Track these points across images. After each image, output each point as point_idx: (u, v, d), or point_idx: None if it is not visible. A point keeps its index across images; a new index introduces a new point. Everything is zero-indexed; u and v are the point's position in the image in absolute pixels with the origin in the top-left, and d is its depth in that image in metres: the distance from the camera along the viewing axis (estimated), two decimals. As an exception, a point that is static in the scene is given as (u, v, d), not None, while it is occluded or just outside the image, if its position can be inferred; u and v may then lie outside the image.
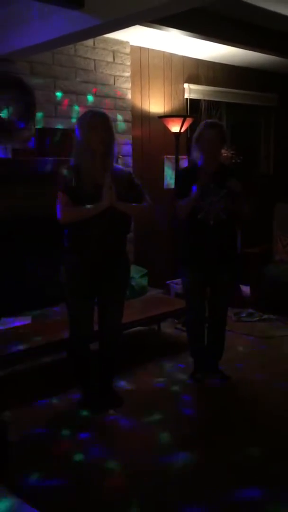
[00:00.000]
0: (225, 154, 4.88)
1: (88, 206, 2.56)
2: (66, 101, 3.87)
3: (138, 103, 4.50)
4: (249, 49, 4.56)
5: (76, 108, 3.90)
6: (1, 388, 3.04)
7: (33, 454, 2.45)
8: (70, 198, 2.59)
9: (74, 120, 3.83)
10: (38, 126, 3.67)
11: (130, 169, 3.92)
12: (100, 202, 2.54)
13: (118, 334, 2.91)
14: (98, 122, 2.57)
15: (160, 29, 3.79)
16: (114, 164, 2.71)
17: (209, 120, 3.08)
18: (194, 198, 2.89)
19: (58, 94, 3.84)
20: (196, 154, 2.99)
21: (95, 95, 4.03)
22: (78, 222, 2.61)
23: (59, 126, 3.77)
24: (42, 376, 3.26)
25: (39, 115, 3.70)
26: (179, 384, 3.17)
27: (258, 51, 4.66)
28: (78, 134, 2.61)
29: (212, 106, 5.05)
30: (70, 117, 3.87)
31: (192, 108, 4.91)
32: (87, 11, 2.78)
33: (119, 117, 4.19)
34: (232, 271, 3.18)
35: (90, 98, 3.99)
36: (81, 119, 2.64)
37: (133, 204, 2.69)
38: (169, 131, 4.43)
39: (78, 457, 2.41)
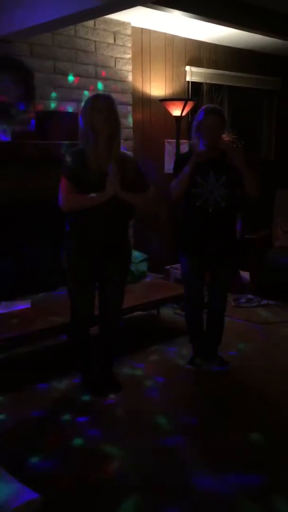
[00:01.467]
0: (226, 139, 4.83)
1: (92, 194, 2.54)
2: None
3: (139, 86, 4.44)
4: (252, 32, 4.48)
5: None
6: (1, 372, 3.06)
7: (34, 437, 2.47)
8: (74, 185, 2.56)
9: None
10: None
11: (131, 154, 3.89)
12: (105, 190, 2.52)
13: (118, 319, 2.92)
14: (102, 104, 2.55)
15: (162, 10, 3.71)
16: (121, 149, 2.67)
17: (209, 106, 3.03)
18: (189, 172, 2.87)
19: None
20: (196, 141, 2.97)
21: (95, 77, 3.98)
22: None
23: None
24: (41, 360, 3.28)
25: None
26: (178, 369, 3.19)
27: (261, 34, 4.58)
28: (82, 117, 2.58)
29: (214, 89, 4.99)
30: (72, 100, 3.83)
31: (194, 91, 4.85)
32: (88, -9, 2.73)
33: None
34: (231, 258, 3.18)
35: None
36: (86, 102, 2.60)
37: (137, 194, 2.67)
38: (170, 114, 4.39)
39: (77, 440, 2.44)
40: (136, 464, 2.26)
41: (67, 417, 2.64)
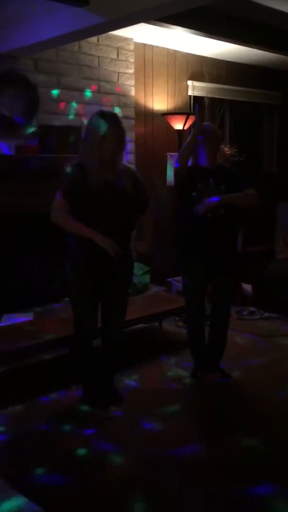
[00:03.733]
0: (228, 152, 4.88)
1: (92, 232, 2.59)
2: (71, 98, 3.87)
3: (141, 100, 4.49)
4: (253, 47, 4.55)
5: (74, 105, 3.89)
6: (3, 384, 3.06)
7: (37, 450, 2.47)
8: (68, 202, 2.61)
9: (72, 117, 3.84)
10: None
11: (134, 167, 3.93)
12: (98, 235, 2.56)
13: (120, 331, 2.92)
14: (115, 136, 2.56)
15: (164, 26, 3.78)
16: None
17: (204, 123, 3.12)
18: (195, 136, 2.93)
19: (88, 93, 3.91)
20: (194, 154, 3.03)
21: (98, 92, 4.03)
22: (83, 221, 2.61)
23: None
24: (44, 372, 3.28)
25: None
26: (179, 381, 3.19)
27: (262, 49, 4.65)
28: (90, 138, 2.59)
29: (215, 103, 5.04)
30: (70, 114, 3.87)
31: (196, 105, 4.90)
32: (92, 9, 2.78)
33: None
34: (233, 269, 3.18)
35: (88, 93, 3.98)
36: (97, 126, 2.57)
37: (146, 228, 2.83)
38: (172, 128, 4.43)
39: (81, 452, 2.44)
40: (139, 475, 2.25)
41: (69, 429, 2.64)
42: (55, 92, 3.77)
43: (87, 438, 2.57)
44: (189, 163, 3.03)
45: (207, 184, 2.96)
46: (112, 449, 2.47)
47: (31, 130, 3.59)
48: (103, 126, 2.55)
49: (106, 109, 3.56)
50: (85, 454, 2.43)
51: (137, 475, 2.27)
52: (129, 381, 3.17)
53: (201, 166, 3.03)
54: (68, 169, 2.64)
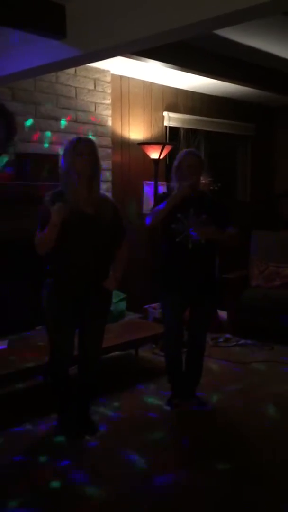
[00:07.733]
0: (204, 181, 4.97)
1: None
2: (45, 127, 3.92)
3: (118, 130, 4.58)
4: (226, 81, 4.71)
5: (48, 134, 3.93)
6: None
7: (9, 482, 2.40)
8: None
9: (47, 146, 3.88)
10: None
11: (110, 194, 3.97)
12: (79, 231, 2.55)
13: (97, 359, 2.89)
14: (84, 148, 2.61)
15: (140, 60, 3.89)
16: (100, 191, 2.74)
17: (188, 149, 3.16)
18: (174, 202, 2.93)
19: (63, 122, 3.93)
20: (175, 183, 3.05)
21: (75, 121, 4.09)
22: (60, 249, 2.61)
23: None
24: (17, 402, 3.21)
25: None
26: (156, 409, 3.16)
27: (235, 83, 4.81)
28: (64, 159, 2.64)
29: (190, 134, 5.17)
30: (47, 143, 3.91)
31: (171, 136, 5.02)
32: (69, 42, 2.84)
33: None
34: (211, 296, 3.21)
35: (63, 122, 4.03)
36: (68, 145, 2.66)
37: (118, 261, 2.79)
38: (149, 157, 4.51)
39: (55, 484, 2.38)
40: (112, 508, 2.21)
41: (43, 460, 2.57)
42: (28, 122, 3.81)
43: (61, 469, 2.51)
44: (172, 187, 3.07)
45: (187, 214, 2.98)
46: (86, 481, 2.41)
47: (7, 158, 3.61)
48: (74, 141, 2.65)
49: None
50: (59, 486, 2.37)
51: (109, 508, 2.22)
52: (105, 410, 3.13)
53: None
54: (46, 201, 2.64)
